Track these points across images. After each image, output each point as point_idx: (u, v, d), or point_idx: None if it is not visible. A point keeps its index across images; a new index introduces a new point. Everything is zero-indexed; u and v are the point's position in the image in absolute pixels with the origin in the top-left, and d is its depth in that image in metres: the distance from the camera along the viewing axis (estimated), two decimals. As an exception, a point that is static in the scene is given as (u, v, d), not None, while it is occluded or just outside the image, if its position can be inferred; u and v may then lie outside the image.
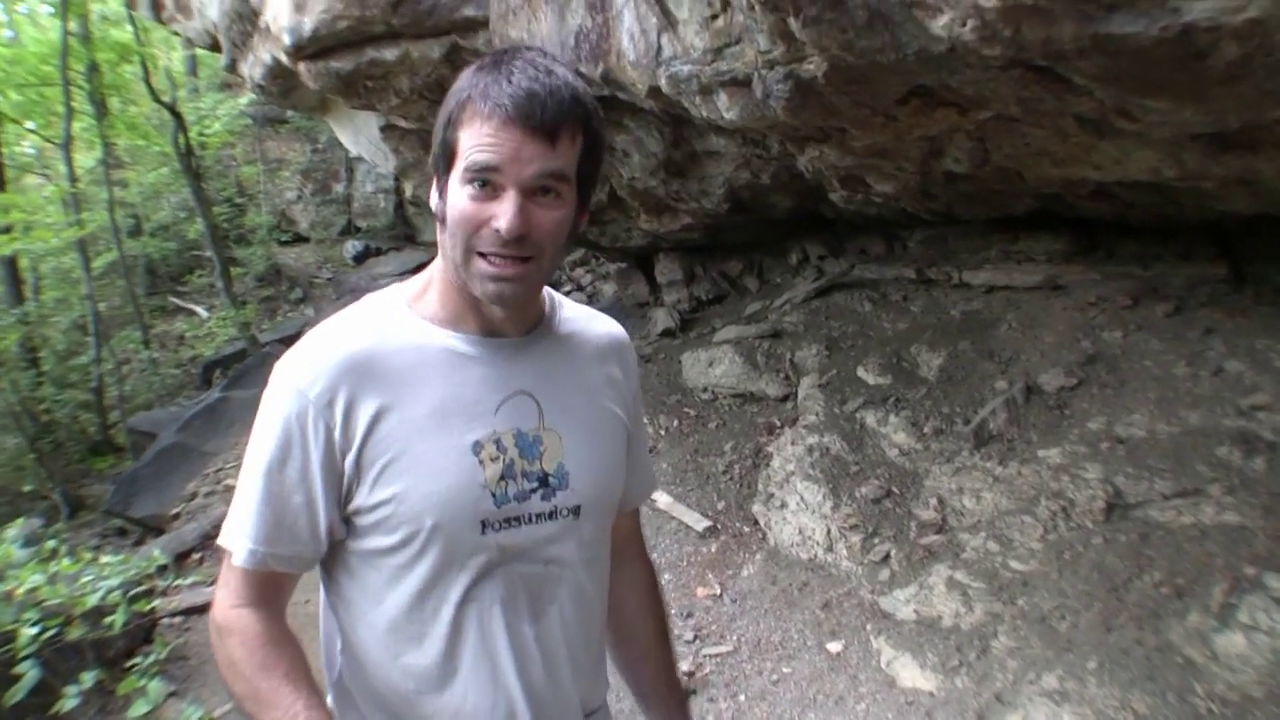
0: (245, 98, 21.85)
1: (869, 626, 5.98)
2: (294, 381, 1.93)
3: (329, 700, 2.15)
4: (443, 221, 1.93)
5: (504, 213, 1.83)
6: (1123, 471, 6.11)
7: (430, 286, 2.07)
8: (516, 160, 1.83)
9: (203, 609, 8.43)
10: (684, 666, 5.95)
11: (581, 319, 2.28)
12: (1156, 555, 5.54)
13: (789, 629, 6.20)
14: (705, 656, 6.11)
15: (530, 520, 2.04)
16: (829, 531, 6.72)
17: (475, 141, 1.83)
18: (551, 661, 2.10)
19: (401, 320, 2.03)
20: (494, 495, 1.98)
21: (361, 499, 1.95)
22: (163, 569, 7.80)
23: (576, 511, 2.10)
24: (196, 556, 10.21)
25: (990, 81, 4.53)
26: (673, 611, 6.58)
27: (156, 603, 7.73)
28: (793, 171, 8.30)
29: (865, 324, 9.27)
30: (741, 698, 5.75)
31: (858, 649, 5.86)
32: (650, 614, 2.55)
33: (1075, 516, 5.99)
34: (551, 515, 2.06)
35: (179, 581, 8.05)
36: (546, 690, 2.09)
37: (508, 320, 2.06)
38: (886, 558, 6.40)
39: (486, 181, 1.84)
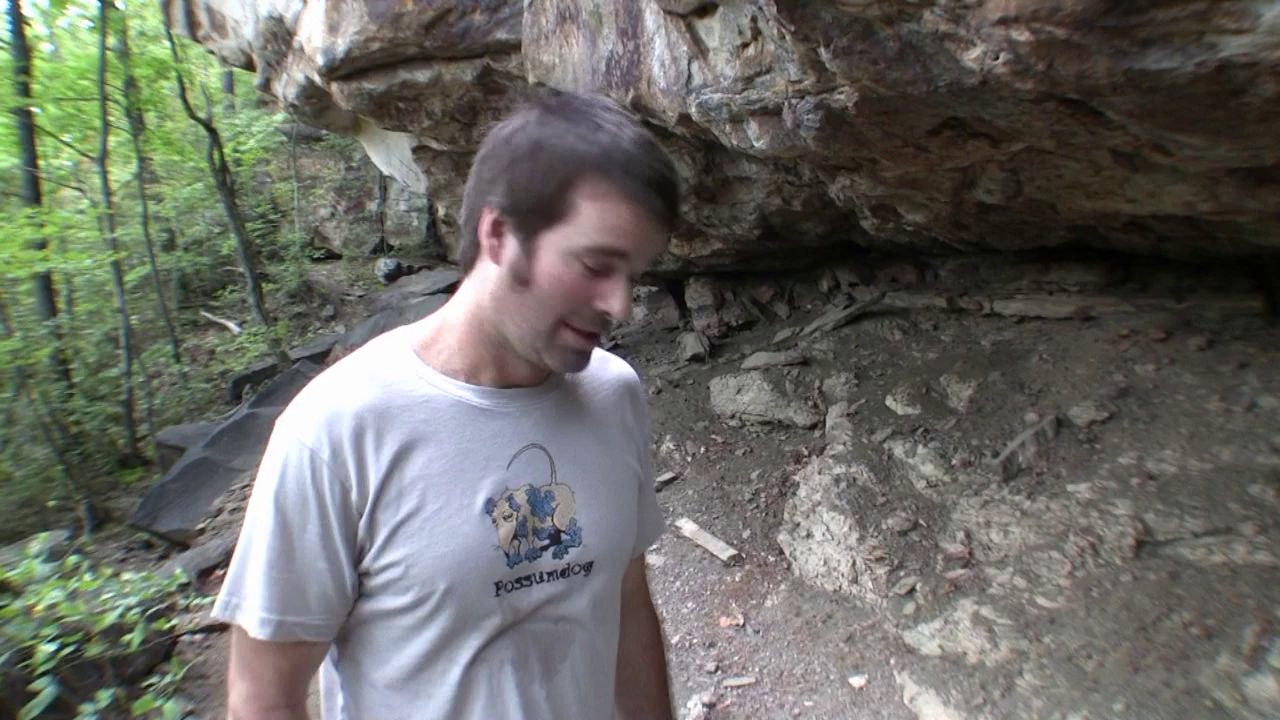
0: (280, 115, 21.97)
1: (893, 661, 5.92)
2: (302, 439, 1.83)
3: None
4: (522, 282, 1.83)
5: (618, 297, 1.79)
6: (1153, 508, 6.04)
7: (444, 334, 1.99)
8: (644, 250, 1.80)
9: (224, 627, 8.43)
10: (705, 698, 5.91)
11: (594, 362, 2.19)
12: (1187, 595, 5.47)
13: (812, 662, 6.15)
14: (727, 688, 6.05)
15: (542, 579, 1.97)
16: (854, 563, 6.66)
17: (613, 224, 1.75)
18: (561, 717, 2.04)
19: (410, 370, 1.94)
20: (507, 555, 1.91)
21: (373, 559, 1.87)
22: (184, 586, 7.79)
23: (589, 568, 2.04)
24: (220, 573, 10.20)
25: (1023, 115, 4.48)
26: (695, 641, 6.54)
27: (176, 620, 7.71)
28: (824, 199, 8.27)
29: (895, 353, 9.22)
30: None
31: (880, 684, 5.80)
32: (653, 665, 2.50)
33: (1104, 553, 5.92)
34: (564, 573, 2.00)
35: (200, 600, 8.04)
36: None
37: (528, 373, 2.00)
38: (912, 591, 6.34)
39: (606, 266, 1.79)
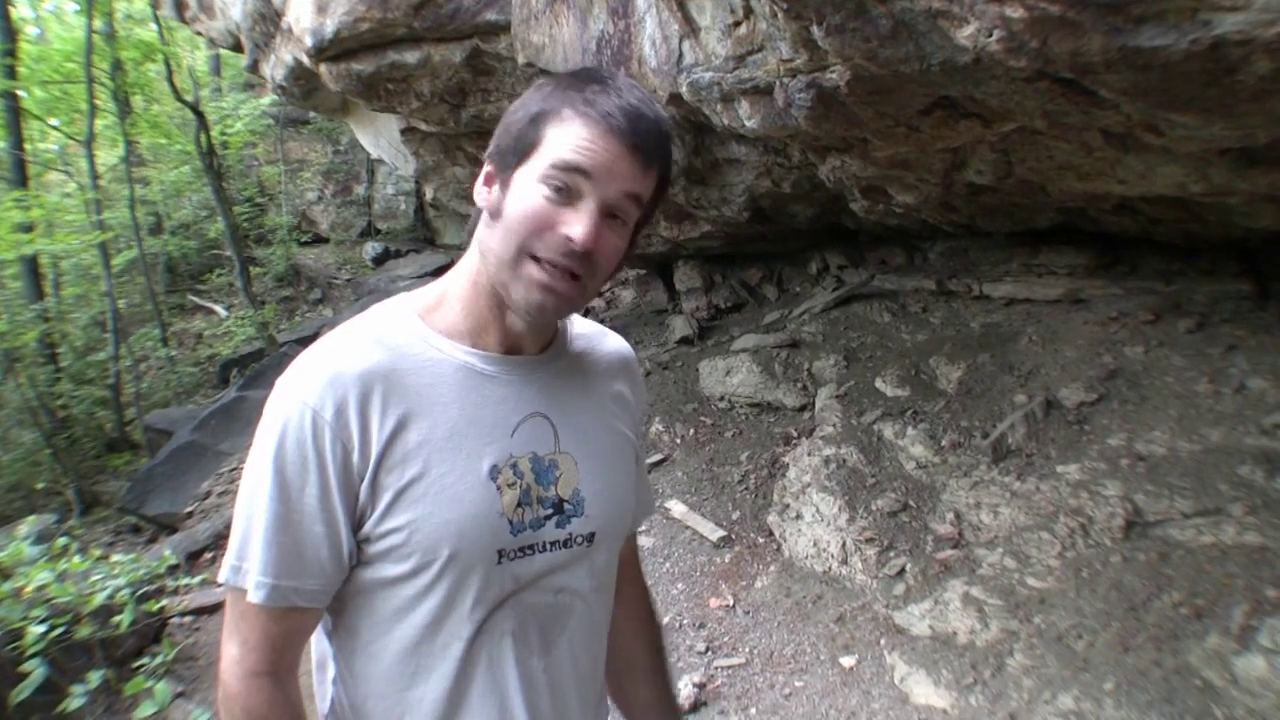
0: (268, 98, 21.89)
1: (883, 641, 5.93)
2: (304, 399, 1.79)
3: None
4: (495, 215, 1.84)
5: (579, 221, 1.77)
6: (1142, 489, 6.06)
7: (448, 297, 1.97)
8: (609, 172, 1.77)
9: (213, 609, 8.43)
10: (695, 678, 5.91)
11: (592, 336, 2.20)
12: (1176, 575, 5.49)
13: (802, 642, 6.15)
14: (717, 668, 6.06)
15: (544, 549, 1.94)
16: (844, 544, 6.66)
17: (572, 142, 1.76)
18: (560, 694, 2.02)
19: (415, 334, 1.91)
20: (511, 523, 1.88)
21: (374, 524, 1.82)
22: (173, 569, 7.78)
23: (590, 539, 2.01)
24: (209, 556, 10.21)
25: (1015, 94, 4.48)
26: (685, 621, 6.54)
27: (166, 602, 7.70)
28: (814, 181, 8.26)
29: (884, 335, 9.23)
30: (753, 711, 5.70)
31: (871, 664, 5.81)
32: (642, 636, 2.45)
33: (1094, 534, 5.93)
34: (566, 543, 1.97)
35: (189, 581, 8.02)
36: None
37: (529, 337, 1.98)
38: (902, 572, 6.35)
39: (567, 187, 1.77)
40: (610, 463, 2.09)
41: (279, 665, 1.85)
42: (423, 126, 10.37)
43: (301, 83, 10.28)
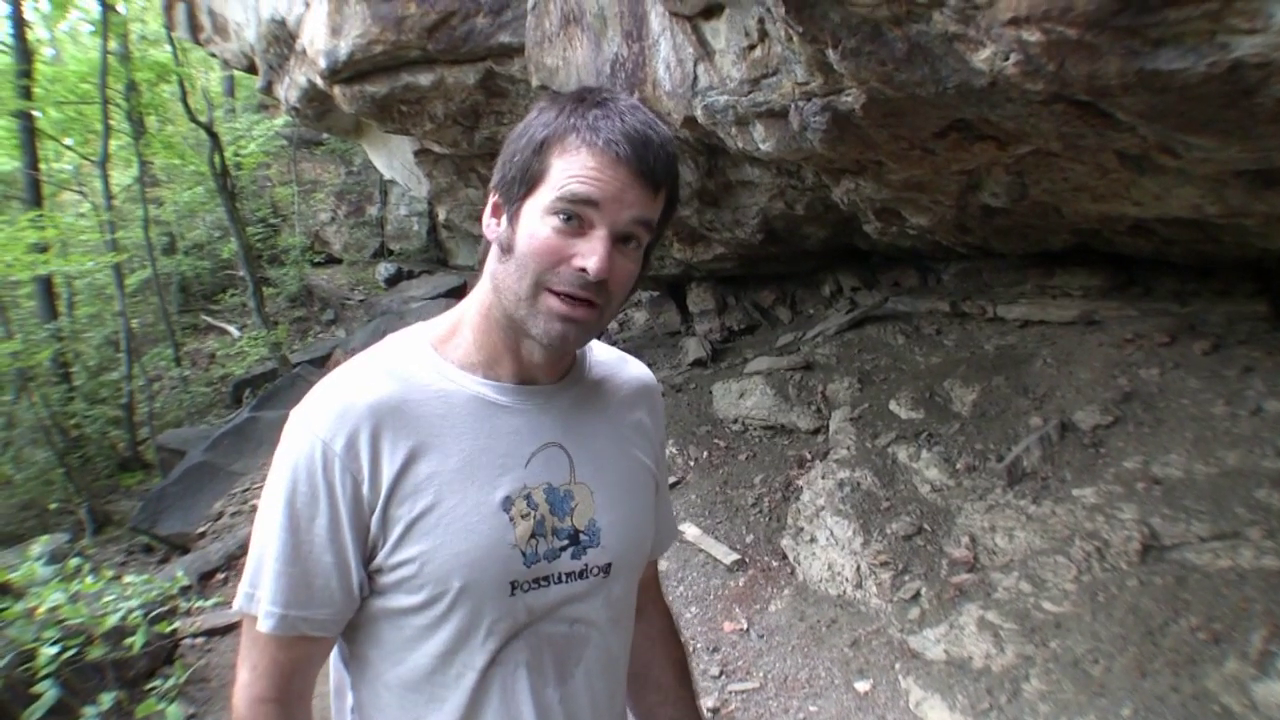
0: (281, 119, 21.97)
1: (898, 666, 5.90)
2: (315, 431, 1.80)
3: None
4: (507, 250, 1.83)
5: (592, 251, 1.75)
6: (1159, 512, 6.03)
7: (461, 327, 1.97)
8: (618, 201, 1.76)
9: (225, 630, 8.43)
10: (709, 702, 5.89)
11: (612, 363, 2.19)
12: (1193, 599, 5.46)
13: (816, 667, 6.13)
14: (731, 693, 6.03)
15: (560, 580, 1.93)
16: (859, 568, 6.64)
17: (577, 172, 1.75)
18: None
19: (427, 365, 1.92)
20: (524, 554, 1.88)
21: (385, 556, 1.83)
22: (185, 590, 7.76)
23: (607, 570, 2.00)
24: (221, 577, 10.20)
25: (1031, 116, 4.47)
26: (699, 645, 6.52)
27: (178, 623, 7.67)
28: (827, 203, 8.26)
29: (898, 357, 9.21)
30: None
31: (886, 689, 5.78)
32: (667, 659, 2.43)
33: (1110, 558, 5.90)
34: (582, 574, 1.96)
35: (202, 603, 8.02)
36: None
37: (544, 367, 1.97)
38: (917, 596, 6.32)
39: (577, 216, 1.76)
40: (628, 492, 2.08)
41: (287, 692, 1.86)
42: (436, 148, 10.38)
43: (315, 104, 10.30)
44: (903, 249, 9.42)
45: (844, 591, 6.67)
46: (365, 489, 1.80)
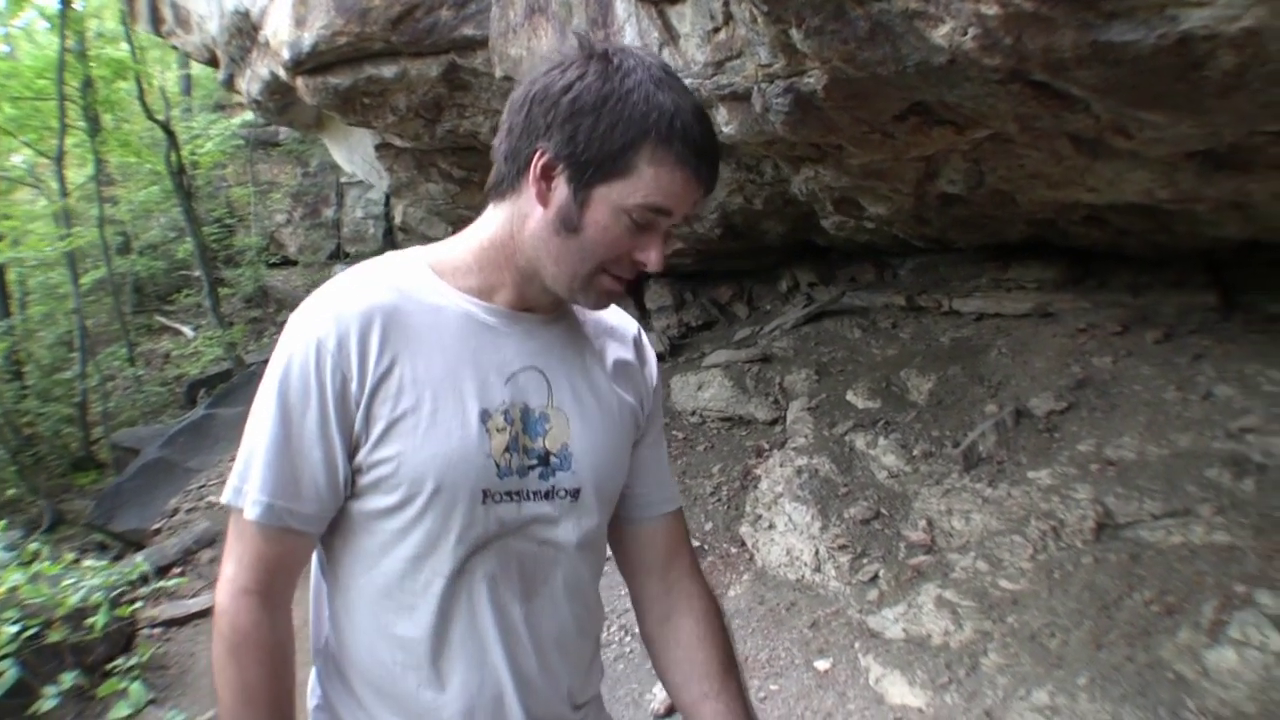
0: (239, 119, 21.88)
1: (857, 645, 5.97)
2: (312, 330, 1.87)
3: (314, 669, 2.13)
4: (570, 228, 1.87)
5: (654, 248, 1.88)
6: (1113, 492, 6.13)
7: (464, 254, 2.02)
8: (682, 210, 1.86)
9: (183, 621, 8.43)
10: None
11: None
12: (1147, 574, 5.55)
13: (776, 647, 6.19)
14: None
15: (528, 497, 1.98)
16: (817, 552, 6.71)
17: (666, 186, 1.81)
18: (540, 645, 2.04)
19: (423, 280, 1.97)
20: (498, 466, 1.92)
21: (366, 454, 1.89)
22: (144, 578, 7.76)
23: (575, 495, 2.04)
24: (178, 571, 10.16)
25: (989, 97, 4.56)
26: (660, 628, 6.57)
27: (140, 605, 7.67)
28: (786, 197, 8.35)
29: (855, 350, 9.30)
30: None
31: (846, 667, 5.85)
32: (711, 640, 2.26)
33: (1065, 536, 5.99)
34: (549, 495, 2.01)
35: (162, 585, 8.03)
36: (535, 673, 2.03)
37: (542, 303, 2.04)
38: (875, 578, 6.39)
39: (651, 223, 1.85)
40: (604, 425, 2.12)
41: (270, 587, 1.91)
42: (397, 142, 10.41)
43: (277, 97, 10.31)
44: (860, 244, 9.51)
45: (803, 575, 6.73)
46: (353, 386, 1.86)
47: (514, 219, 1.95)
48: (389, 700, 1.99)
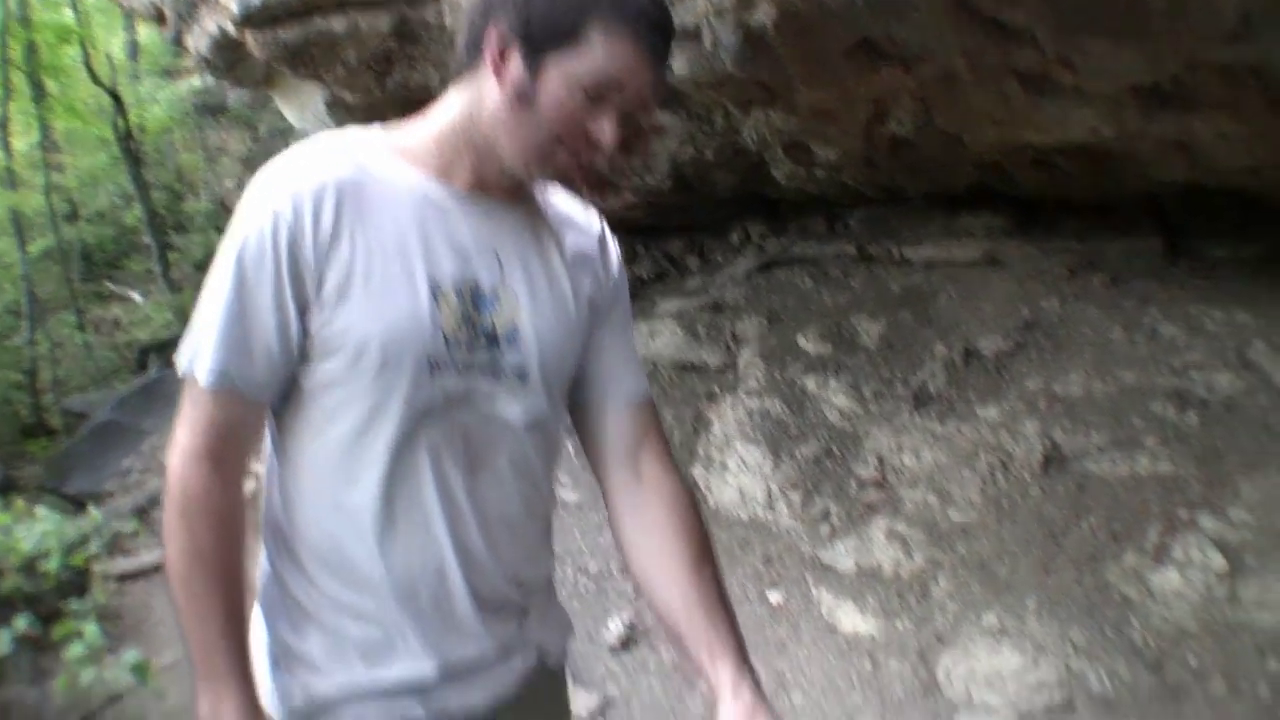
0: (186, 84, 21.72)
1: (809, 578, 6.04)
2: (269, 200, 1.86)
3: (263, 543, 2.14)
4: (526, 102, 1.87)
5: (610, 124, 1.86)
6: (1060, 426, 6.23)
7: (423, 135, 2.02)
8: (635, 85, 1.85)
9: (137, 575, 8.40)
10: (625, 618, 6.00)
11: (566, 202, 2.24)
12: (1094, 503, 5.67)
13: (730, 582, 6.13)
14: (646, 610, 6.14)
15: (476, 372, 1.98)
16: (769, 491, 6.77)
17: (619, 57, 1.82)
18: (485, 521, 2.04)
19: (381, 156, 1.97)
20: (445, 337, 1.93)
21: (315, 317, 1.89)
22: (99, 530, 7.73)
23: (523, 376, 2.04)
24: (130, 529, 10.13)
25: (935, 28, 4.61)
26: (613, 569, 6.61)
27: (94, 551, 7.63)
28: (736, 147, 8.37)
29: (806, 299, 9.33)
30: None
31: (798, 599, 5.92)
32: (684, 531, 2.18)
33: (1014, 469, 6.09)
34: (496, 373, 2.01)
35: (118, 530, 8.01)
36: (479, 549, 2.03)
37: (501, 187, 2.03)
38: (827, 514, 6.47)
39: (604, 97, 1.84)
40: (556, 311, 2.11)
41: (222, 454, 1.92)
42: (348, 98, 10.36)
43: (226, 53, 10.23)
44: (811, 196, 9.53)
45: (755, 514, 6.79)
46: (307, 254, 1.86)
47: (473, 101, 1.96)
48: (333, 570, 2.01)
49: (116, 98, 19.05)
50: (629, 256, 12.09)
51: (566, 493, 7.27)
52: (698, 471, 7.43)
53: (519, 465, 2.08)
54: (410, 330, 1.89)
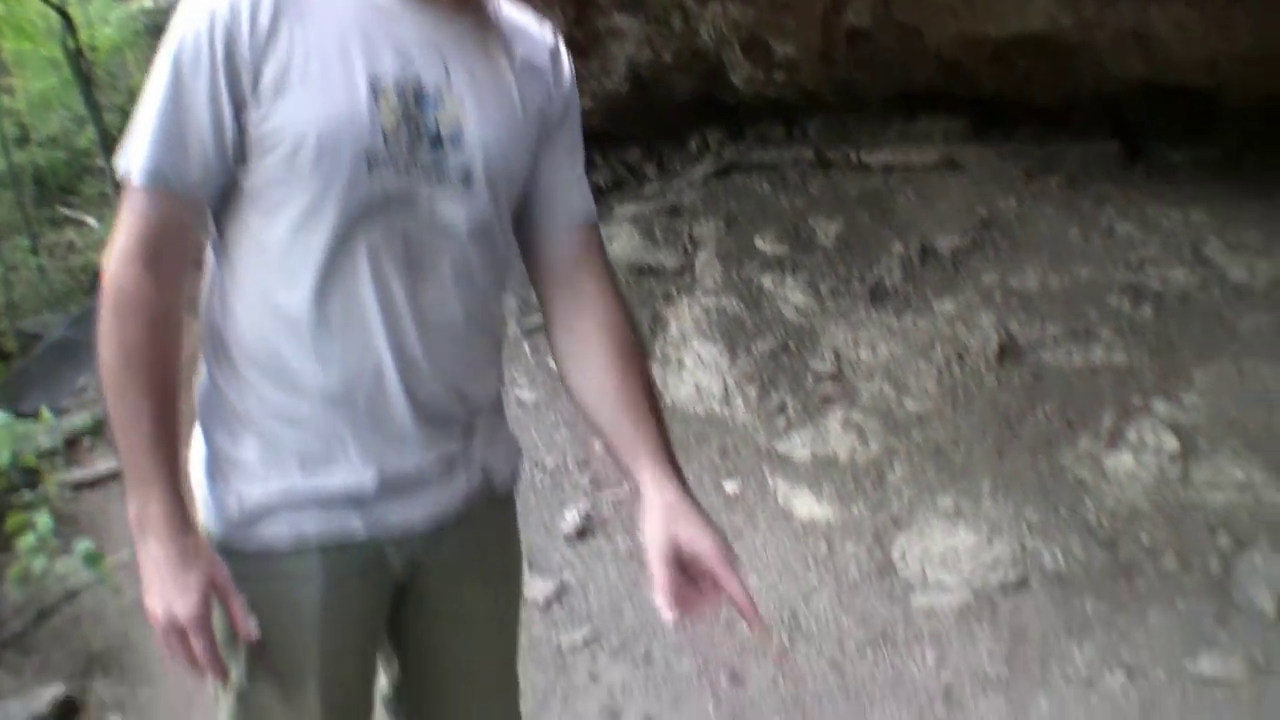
0: (136, 4, 21.42)
1: (765, 468, 6.03)
2: (205, 2, 1.83)
3: (203, 355, 2.10)
4: None
5: None
6: (1016, 318, 6.26)
7: None
8: None
9: (92, 483, 8.35)
10: (581, 508, 5.98)
11: (518, 13, 2.19)
12: (1049, 392, 5.71)
13: (686, 473, 6.20)
14: (602, 500, 6.14)
15: (418, 173, 1.94)
16: (725, 386, 6.74)
17: None
18: (425, 326, 2.00)
19: None
20: (384, 134, 1.88)
21: (251, 117, 1.85)
22: (51, 431, 7.65)
23: (467, 179, 2.00)
24: (87, 444, 10.06)
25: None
26: (569, 463, 6.58)
27: (45, 447, 7.57)
28: (694, 49, 8.33)
29: (763, 203, 9.29)
30: (639, 534, 5.78)
31: (754, 488, 5.91)
32: (612, 342, 2.20)
33: (969, 360, 6.10)
34: (439, 175, 1.96)
35: (71, 423, 7.95)
36: (418, 354, 2.00)
37: None
38: (783, 407, 6.45)
39: None
40: (503, 117, 2.06)
41: (157, 255, 1.88)
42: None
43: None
44: (769, 101, 9.48)
45: (712, 409, 6.77)
46: (244, 49, 1.82)
47: None
48: (271, 376, 1.98)
49: (66, 16, 18.75)
50: (587, 165, 11.98)
51: (523, 392, 7.24)
52: (654, 370, 7.40)
53: (462, 273, 2.05)
54: (347, 124, 1.85)
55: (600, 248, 2.32)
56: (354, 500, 2.01)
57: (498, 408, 2.34)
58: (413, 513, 2.08)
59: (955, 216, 7.70)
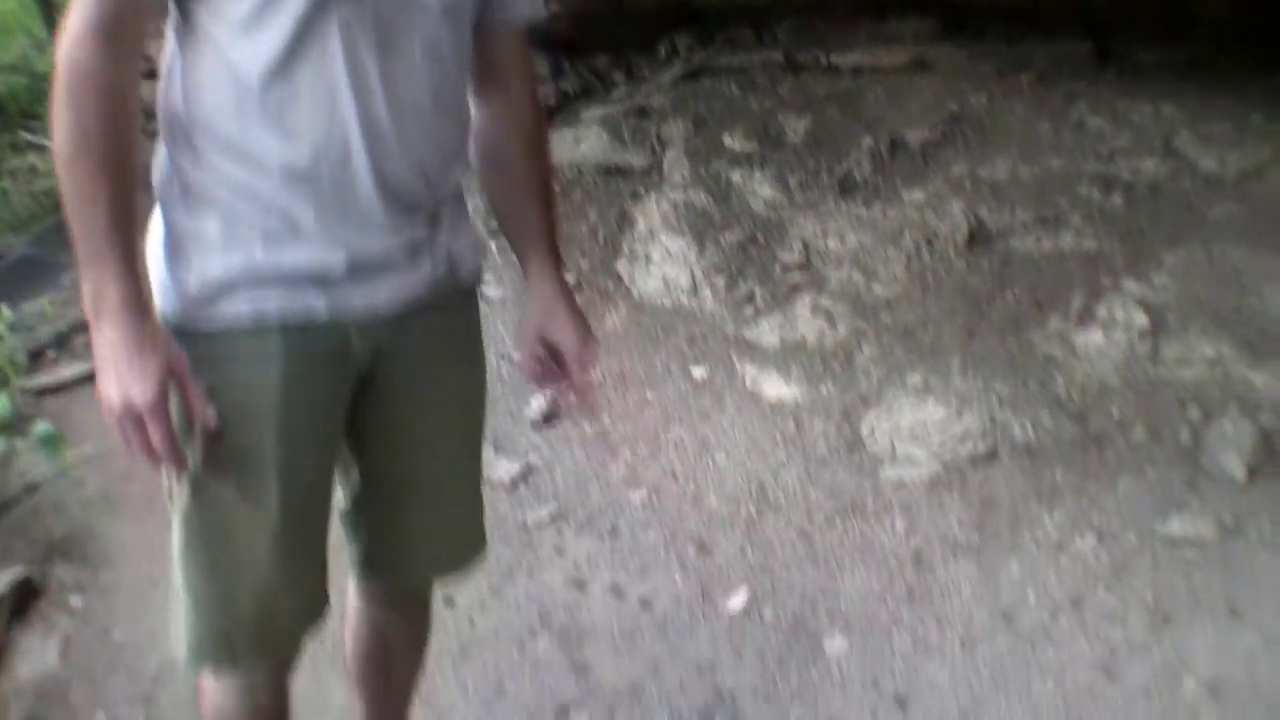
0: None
1: (733, 354, 6.00)
2: None
3: (161, 137, 2.05)
4: None
5: None
6: (985, 205, 6.25)
7: None
8: None
9: (56, 389, 8.27)
10: (549, 396, 5.95)
11: None
12: (1019, 276, 5.71)
13: (653, 361, 6.21)
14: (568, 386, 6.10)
15: None
16: (693, 277, 6.70)
17: None
18: (396, 103, 1.95)
19: None
20: None
21: None
22: (12, 326, 7.56)
23: None
24: (52, 356, 9.97)
25: None
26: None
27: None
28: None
29: (732, 104, 9.24)
30: (605, 419, 5.76)
31: (722, 373, 5.89)
32: (517, 138, 2.33)
33: (939, 246, 6.08)
34: None
35: (35, 334, 7.88)
36: (388, 131, 1.95)
37: None
38: (751, 296, 6.42)
39: None
40: None
41: (112, 30, 1.81)
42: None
43: None
44: (738, 5, 9.45)
45: (679, 300, 6.72)
46: None
47: None
48: (234, 153, 1.93)
49: (24, -68, 18.53)
50: (554, 73, 11.88)
51: (490, 289, 7.18)
52: (622, 265, 7.35)
53: (432, 51, 2.00)
54: None
55: (528, 53, 2.43)
56: (317, 279, 1.98)
57: (461, 200, 2.30)
58: (377, 295, 2.05)
59: (925, 112, 7.67)
